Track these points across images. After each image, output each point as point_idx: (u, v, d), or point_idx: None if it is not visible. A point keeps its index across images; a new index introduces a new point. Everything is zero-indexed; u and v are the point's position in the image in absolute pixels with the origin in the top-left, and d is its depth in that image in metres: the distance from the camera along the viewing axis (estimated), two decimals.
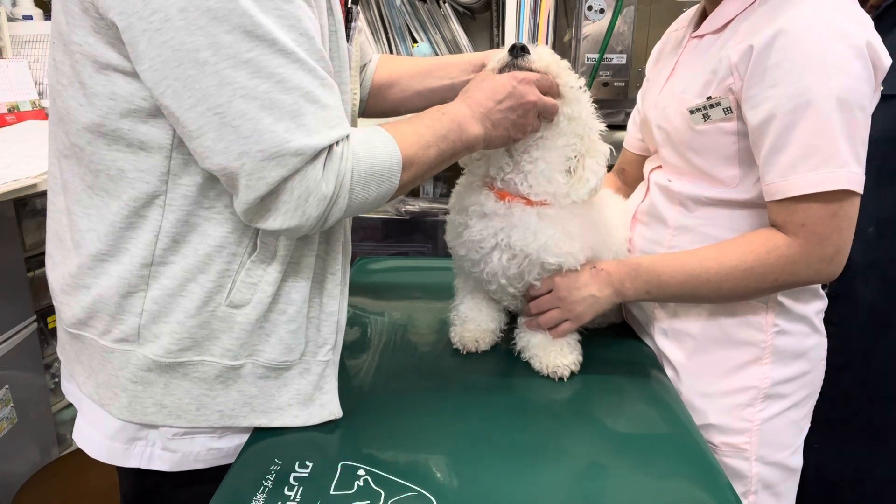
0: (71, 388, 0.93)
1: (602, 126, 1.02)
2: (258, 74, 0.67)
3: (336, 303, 0.89)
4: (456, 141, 0.85)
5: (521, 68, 0.95)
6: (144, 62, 0.67)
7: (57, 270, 0.85)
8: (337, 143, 0.74)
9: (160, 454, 0.85)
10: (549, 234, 0.98)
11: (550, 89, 0.96)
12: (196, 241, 0.78)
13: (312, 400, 0.88)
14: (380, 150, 0.78)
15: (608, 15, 1.86)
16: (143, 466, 0.85)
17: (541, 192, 0.99)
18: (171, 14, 0.64)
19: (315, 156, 0.71)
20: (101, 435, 0.85)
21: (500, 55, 0.97)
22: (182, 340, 0.80)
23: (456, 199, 1.08)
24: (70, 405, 0.99)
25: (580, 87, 0.99)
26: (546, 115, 0.97)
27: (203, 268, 0.79)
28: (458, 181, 1.10)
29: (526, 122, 0.94)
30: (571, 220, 1.00)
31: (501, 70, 0.96)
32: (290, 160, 0.69)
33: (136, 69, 0.69)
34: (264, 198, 0.71)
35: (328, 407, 0.89)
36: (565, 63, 1.00)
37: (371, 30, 2.11)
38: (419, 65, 1.14)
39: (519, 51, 0.95)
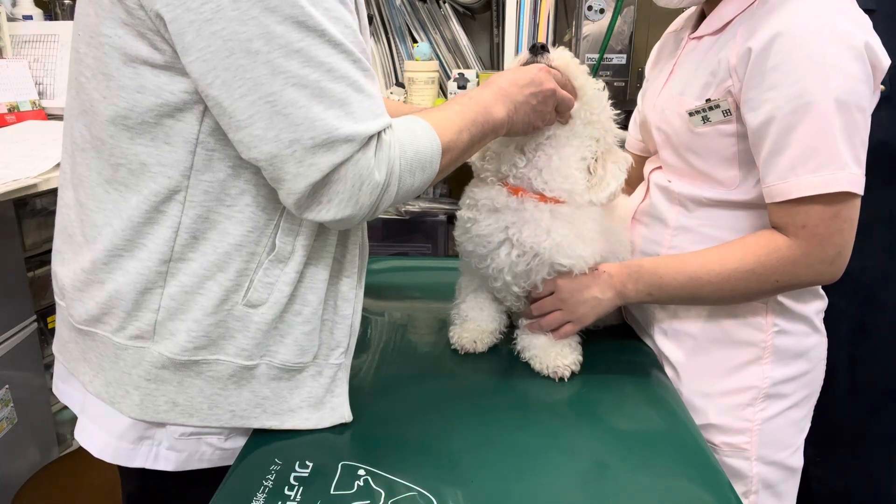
0: (67, 389, 0.92)
1: (622, 133, 1.04)
2: (309, 64, 0.68)
3: (350, 306, 0.89)
4: (484, 124, 0.88)
5: None
6: (192, 53, 0.68)
7: (67, 266, 0.84)
8: (384, 130, 0.75)
9: (165, 454, 0.84)
10: (562, 233, 0.98)
11: (566, 86, 0.99)
12: (216, 239, 0.78)
13: (323, 403, 0.88)
14: (421, 136, 0.79)
15: (608, 15, 1.86)
16: (149, 466, 0.84)
17: (556, 189, 1.00)
18: (224, 4, 0.65)
19: (366, 143, 0.72)
20: (107, 434, 0.84)
21: (521, 56, 1.01)
22: (198, 339, 0.80)
23: (466, 195, 1.08)
24: None
25: (599, 89, 1.02)
26: (562, 109, 0.98)
27: (222, 266, 0.79)
28: (470, 182, 1.11)
29: (545, 111, 0.95)
30: (585, 223, 1.00)
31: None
32: (341, 146, 0.70)
33: (181, 62, 0.69)
34: (316, 186, 0.71)
35: (339, 410, 0.89)
36: (584, 67, 1.02)
37: (371, 30, 2.11)
38: (402, 109, 1.16)
39: (539, 49, 0.99)
